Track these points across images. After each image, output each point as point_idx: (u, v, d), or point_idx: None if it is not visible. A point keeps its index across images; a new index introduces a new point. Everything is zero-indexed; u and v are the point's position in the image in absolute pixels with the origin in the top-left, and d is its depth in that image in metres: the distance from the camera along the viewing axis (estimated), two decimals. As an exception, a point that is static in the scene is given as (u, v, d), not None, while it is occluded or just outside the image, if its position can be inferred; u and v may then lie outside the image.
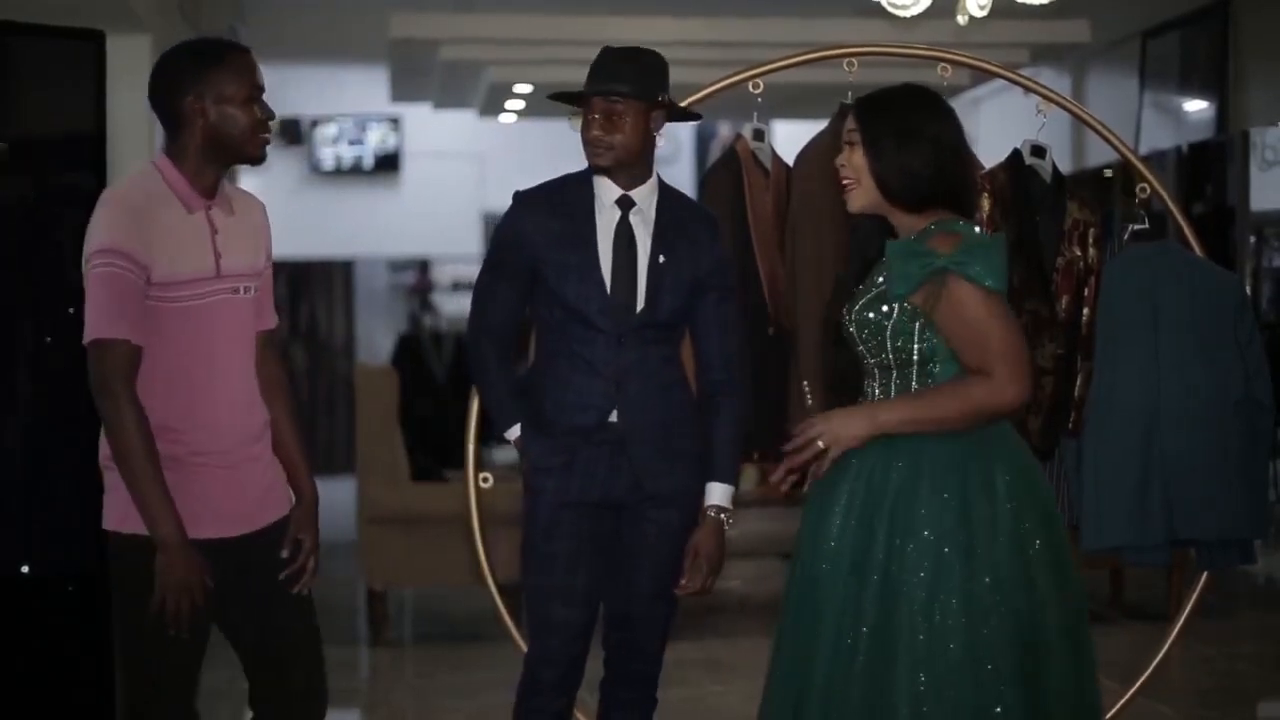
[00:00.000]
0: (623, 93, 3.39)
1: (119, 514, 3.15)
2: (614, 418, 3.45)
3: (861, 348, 3.14)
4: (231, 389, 3.20)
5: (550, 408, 3.48)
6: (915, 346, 3.07)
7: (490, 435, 4.05)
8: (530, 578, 3.50)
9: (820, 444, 3.08)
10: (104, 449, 3.17)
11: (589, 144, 3.42)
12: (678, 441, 3.49)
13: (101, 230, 3.06)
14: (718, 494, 3.50)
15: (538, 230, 3.46)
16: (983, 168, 4.30)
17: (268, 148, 3.22)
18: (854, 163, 3.13)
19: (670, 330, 3.50)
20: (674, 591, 3.51)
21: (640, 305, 3.44)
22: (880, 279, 3.13)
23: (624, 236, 3.46)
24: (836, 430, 3.07)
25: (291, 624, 3.30)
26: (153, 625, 3.10)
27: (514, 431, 3.51)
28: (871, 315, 3.10)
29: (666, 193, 3.54)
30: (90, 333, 3.05)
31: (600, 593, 3.51)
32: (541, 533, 3.48)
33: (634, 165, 3.45)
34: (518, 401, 3.51)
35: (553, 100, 3.58)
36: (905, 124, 3.09)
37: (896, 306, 3.06)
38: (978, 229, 3.13)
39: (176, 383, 3.14)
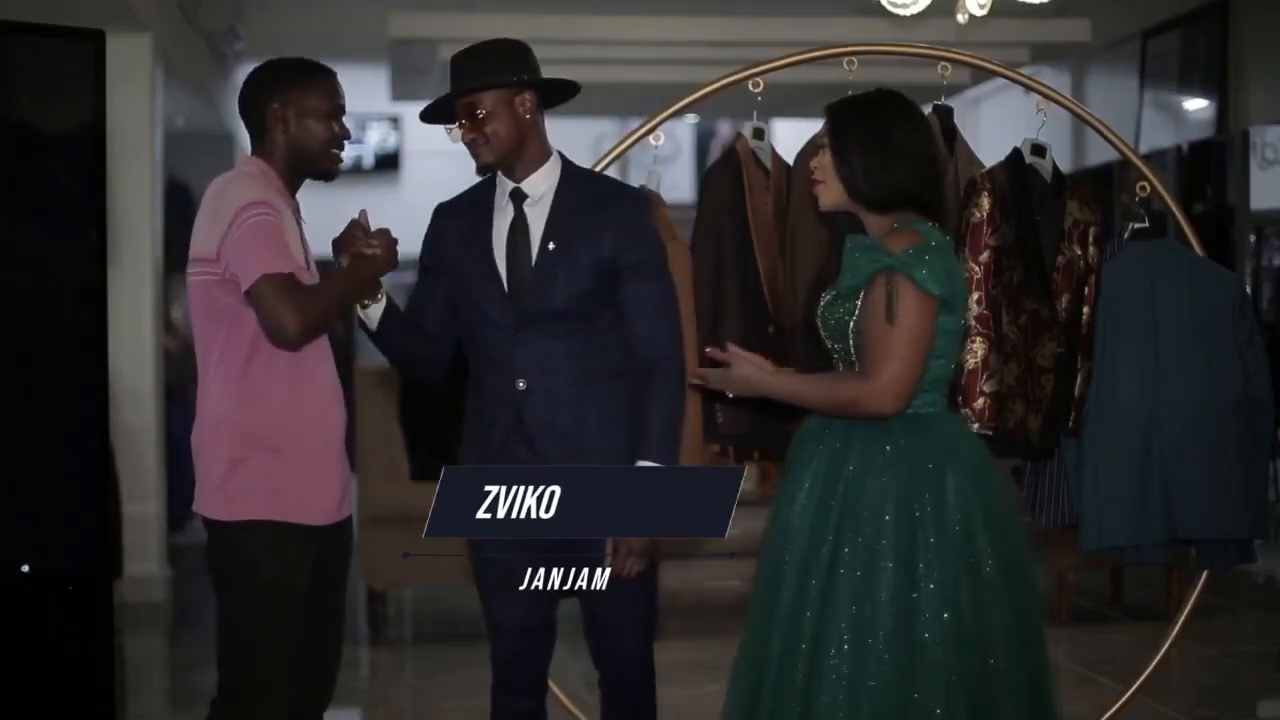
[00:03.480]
0: (471, 88, 3.38)
1: (228, 502, 3.26)
2: (522, 416, 3.39)
3: (829, 342, 3.25)
4: (321, 381, 3.36)
5: (471, 408, 3.48)
6: None
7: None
8: (475, 578, 3.55)
9: (719, 375, 3.35)
10: (201, 432, 3.29)
11: (468, 148, 3.42)
12: (595, 439, 3.38)
13: (240, 193, 3.20)
14: None
15: (447, 235, 3.51)
16: (983, 167, 4.30)
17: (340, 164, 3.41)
18: (823, 164, 3.24)
19: (580, 321, 3.39)
20: (647, 593, 3.44)
21: (532, 296, 3.38)
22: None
23: (517, 229, 3.42)
24: (734, 384, 3.33)
25: (330, 623, 3.45)
26: (263, 612, 3.25)
27: (376, 306, 3.47)
28: (837, 312, 3.20)
29: (572, 176, 3.47)
30: (268, 267, 3.14)
31: (547, 594, 3.45)
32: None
33: (520, 154, 3.42)
34: (398, 314, 3.51)
35: (424, 120, 3.56)
36: (872, 129, 3.19)
37: (858, 304, 3.15)
38: (936, 230, 3.20)
39: (289, 371, 3.28)
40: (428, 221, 3.62)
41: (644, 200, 3.54)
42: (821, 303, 3.26)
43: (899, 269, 3.07)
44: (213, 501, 3.27)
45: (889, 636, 3.04)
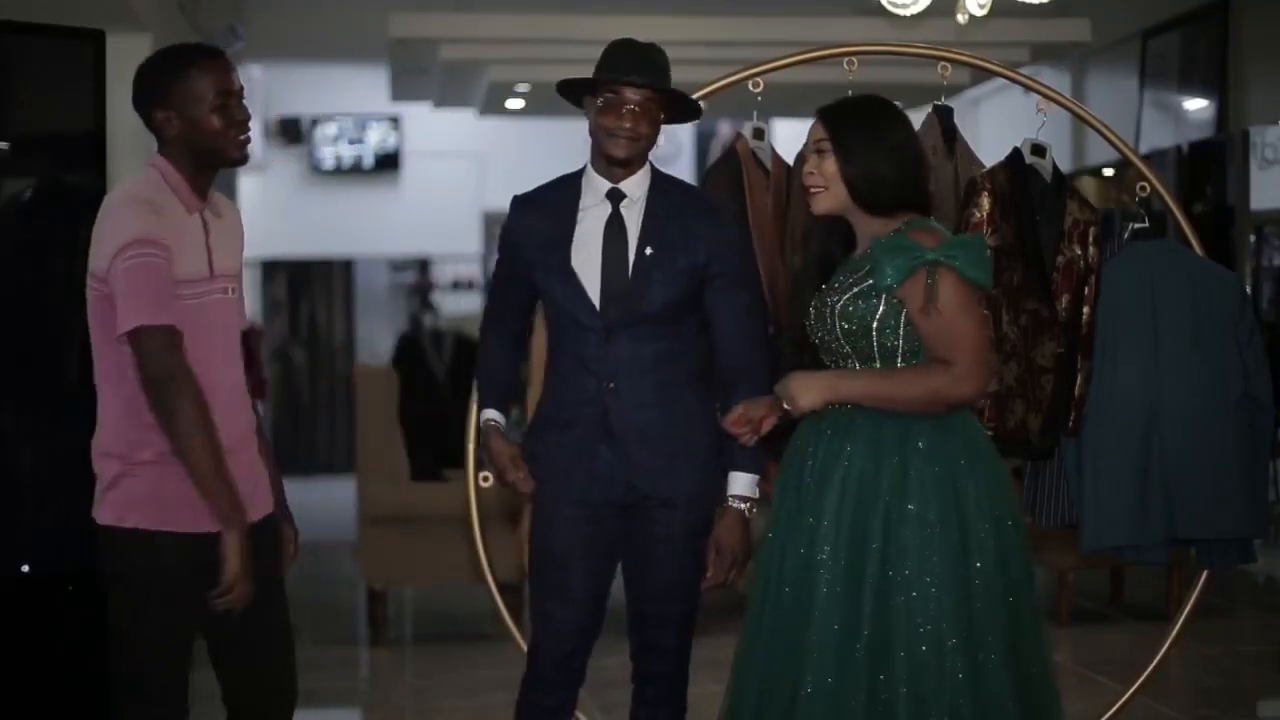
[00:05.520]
0: (660, 86, 3.38)
1: (117, 509, 3.18)
2: (606, 416, 3.42)
3: (844, 340, 3.23)
4: (226, 389, 3.24)
5: (550, 406, 3.49)
6: (900, 338, 3.18)
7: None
8: (532, 572, 3.54)
9: (783, 404, 3.24)
10: (99, 439, 3.19)
11: (615, 134, 3.38)
12: (679, 441, 3.44)
13: (128, 224, 3.08)
14: (738, 484, 3.43)
15: (528, 233, 3.48)
16: (983, 167, 4.30)
17: (251, 147, 3.26)
18: (825, 169, 3.25)
19: (669, 324, 3.44)
20: (691, 591, 3.47)
21: (627, 299, 3.41)
22: (857, 274, 3.23)
23: (615, 229, 3.44)
24: (795, 394, 3.22)
25: (269, 620, 3.34)
26: (153, 620, 3.16)
27: (485, 414, 3.55)
28: (858, 309, 3.19)
29: (661, 182, 3.50)
30: (137, 319, 3.04)
31: (605, 592, 3.51)
32: (541, 529, 3.50)
33: (642, 158, 3.45)
34: (500, 387, 3.57)
35: (570, 90, 3.48)
36: (875, 132, 3.22)
37: (883, 300, 3.16)
38: (949, 227, 3.28)
39: None
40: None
41: (734, 210, 3.60)
42: (839, 302, 3.24)
43: (942, 261, 3.10)
44: (101, 507, 3.20)
45: (959, 635, 3.06)
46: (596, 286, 3.42)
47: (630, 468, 3.42)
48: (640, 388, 3.42)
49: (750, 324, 3.47)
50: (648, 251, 3.42)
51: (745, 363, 3.45)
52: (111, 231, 3.09)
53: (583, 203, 3.46)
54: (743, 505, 3.43)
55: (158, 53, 3.24)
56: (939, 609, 3.07)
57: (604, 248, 3.43)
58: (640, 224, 3.44)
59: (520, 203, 3.54)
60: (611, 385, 3.41)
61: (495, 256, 3.65)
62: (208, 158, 3.20)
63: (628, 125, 3.37)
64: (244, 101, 3.22)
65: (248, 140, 3.23)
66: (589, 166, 3.50)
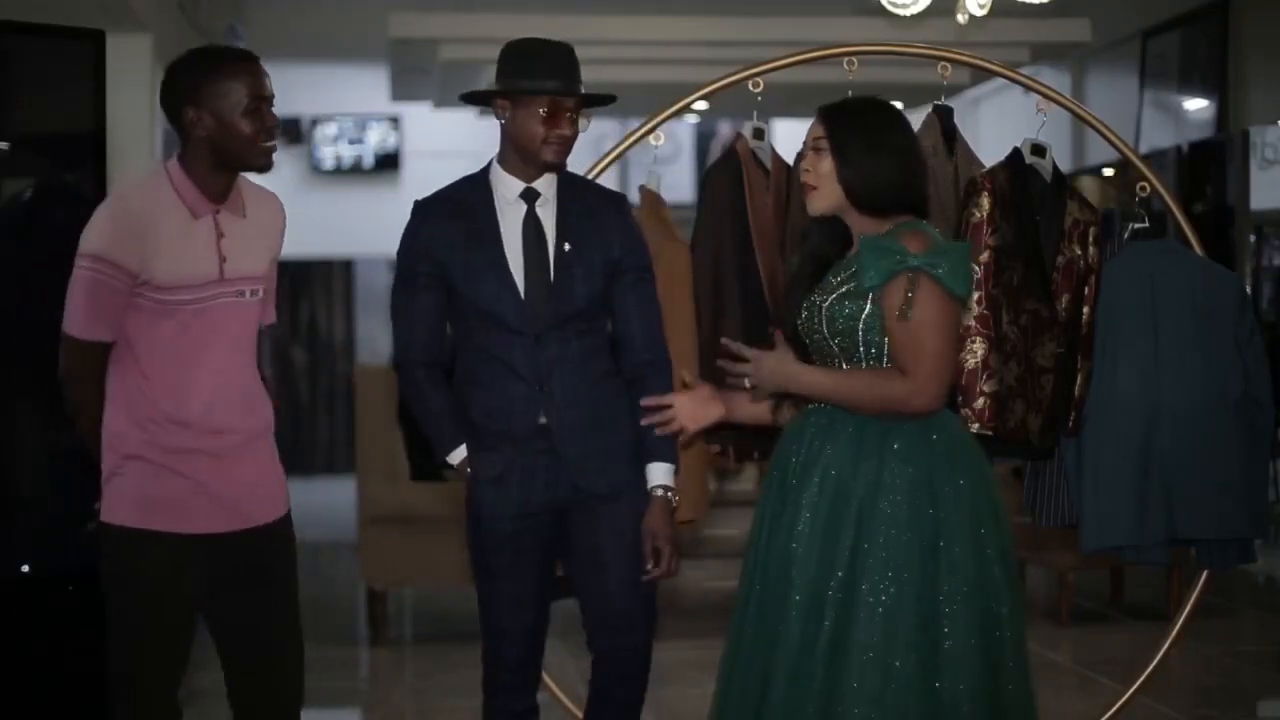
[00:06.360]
0: (601, 94, 3.42)
1: (109, 505, 3.22)
2: (542, 420, 3.39)
3: (830, 340, 3.22)
4: (228, 390, 3.23)
5: (479, 416, 3.42)
6: (886, 340, 3.17)
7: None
8: (479, 586, 3.50)
9: (746, 382, 3.30)
10: (104, 430, 3.22)
11: (554, 143, 3.36)
12: (611, 436, 3.43)
13: (97, 234, 3.11)
14: (659, 474, 3.43)
15: (442, 236, 3.40)
16: (983, 167, 4.30)
17: (273, 154, 3.24)
18: (821, 169, 3.23)
19: (591, 320, 3.43)
20: (651, 586, 3.46)
21: (554, 297, 3.38)
22: (845, 274, 3.22)
23: (532, 228, 3.41)
24: (763, 377, 3.27)
25: (276, 623, 3.33)
26: (139, 620, 3.19)
27: (458, 454, 3.44)
28: (844, 309, 3.19)
29: (567, 180, 3.48)
30: (69, 327, 3.16)
31: (549, 592, 3.50)
32: (485, 545, 3.46)
33: None
34: (458, 422, 3.45)
35: (476, 100, 3.52)
36: (873, 134, 3.21)
37: (869, 302, 3.15)
38: (938, 232, 3.24)
39: (174, 382, 3.18)
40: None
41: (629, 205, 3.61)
42: (825, 302, 3.25)
43: (924, 269, 3.09)
44: (101, 502, 3.23)
45: (915, 632, 3.06)
46: (521, 288, 3.38)
47: (570, 468, 3.39)
48: (570, 386, 3.40)
49: (658, 318, 3.50)
50: (566, 248, 3.41)
51: (655, 356, 3.48)
52: (86, 233, 3.14)
53: (498, 203, 3.43)
54: (666, 494, 3.43)
55: (192, 51, 3.23)
56: (898, 609, 3.06)
57: (524, 248, 3.40)
58: (555, 222, 3.42)
59: (426, 207, 3.47)
60: (543, 388, 3.38)
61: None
62: (231, 161, 3.18)
63: (569, 133, 3.38)
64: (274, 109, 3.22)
65: (274, 148, 3.22)
66: (496, 167, 3.46)
